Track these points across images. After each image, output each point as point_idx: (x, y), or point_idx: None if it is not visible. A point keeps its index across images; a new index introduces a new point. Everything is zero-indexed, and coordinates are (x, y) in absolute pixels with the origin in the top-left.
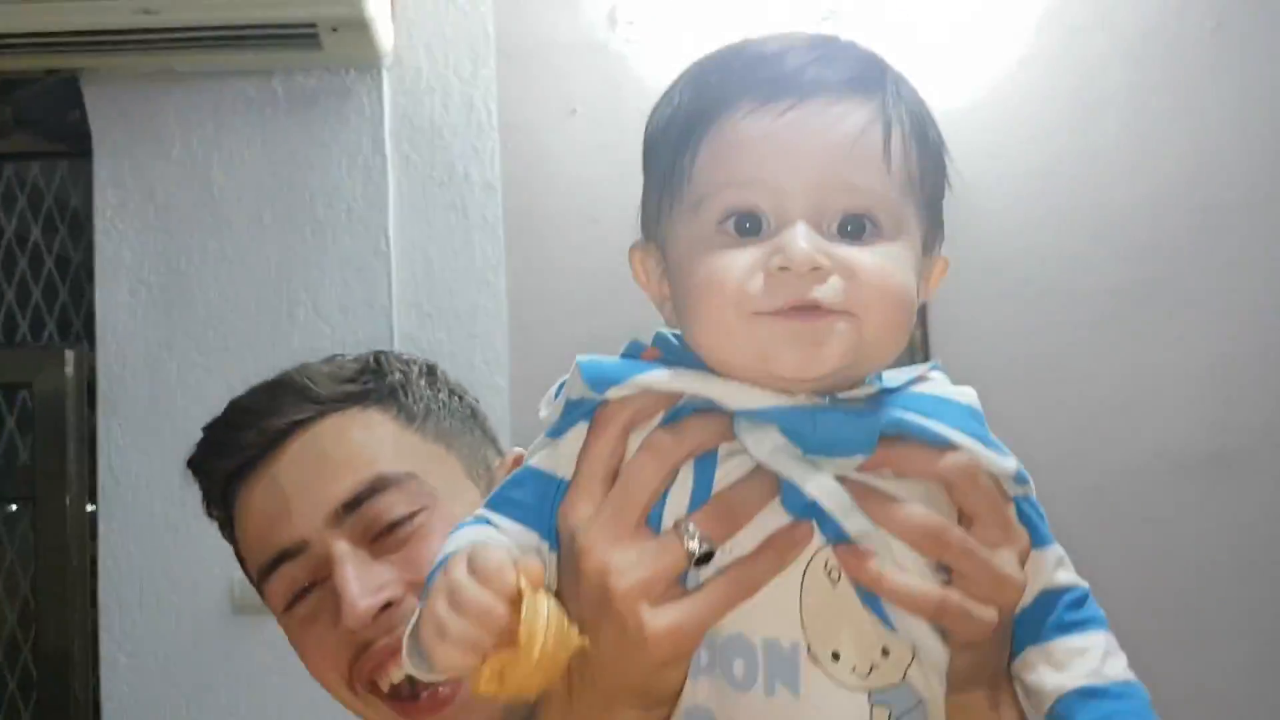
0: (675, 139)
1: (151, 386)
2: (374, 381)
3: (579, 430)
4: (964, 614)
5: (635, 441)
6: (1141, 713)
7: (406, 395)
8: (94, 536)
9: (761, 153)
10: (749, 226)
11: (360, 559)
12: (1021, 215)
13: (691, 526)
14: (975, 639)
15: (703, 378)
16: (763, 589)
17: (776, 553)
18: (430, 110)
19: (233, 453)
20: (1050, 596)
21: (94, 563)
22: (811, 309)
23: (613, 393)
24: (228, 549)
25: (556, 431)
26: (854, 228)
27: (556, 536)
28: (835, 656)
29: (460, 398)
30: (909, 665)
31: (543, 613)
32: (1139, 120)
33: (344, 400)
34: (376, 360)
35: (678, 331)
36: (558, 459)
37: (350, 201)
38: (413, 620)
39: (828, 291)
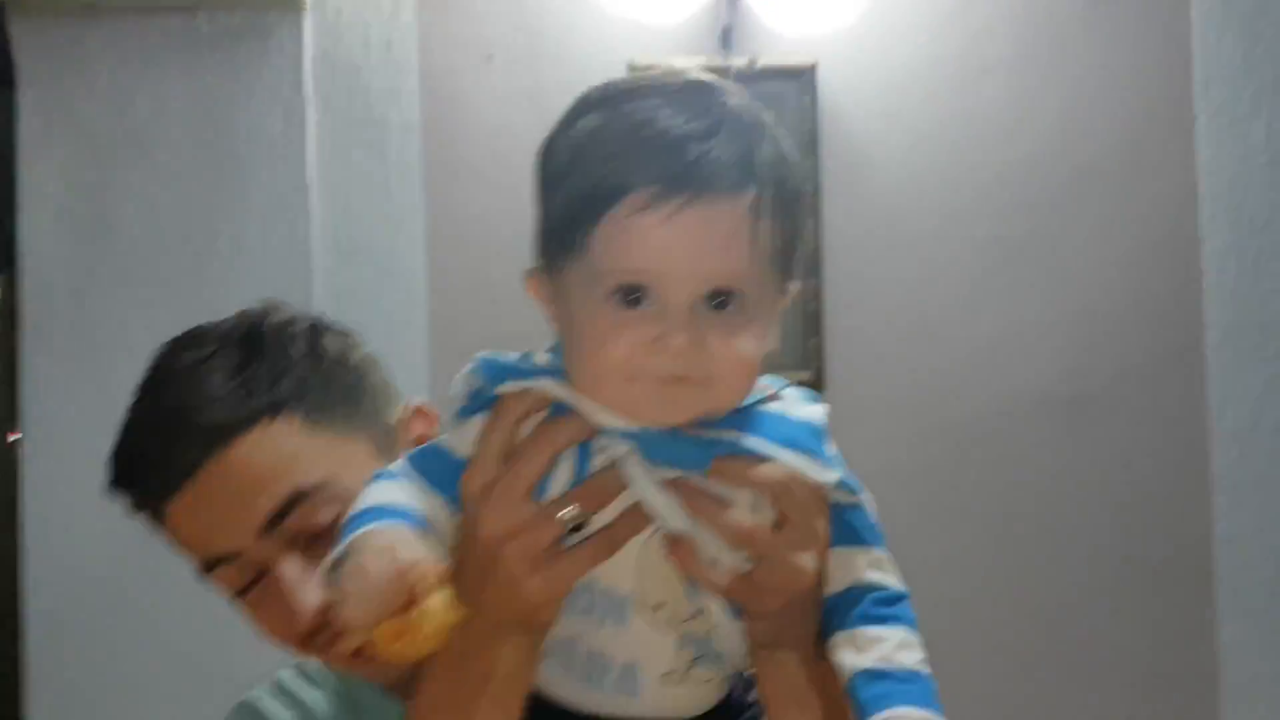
0: (576, 209)
1: (75, 314)
2: (267, 391)
3: (478, 419)
4: (748, 595)
5: (526, 429)
6: (920, 697)
7: (303, 397)
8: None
9: (651, 247)
10: (634, 298)
11: (294, 563)
12: (910, 171)
13: (571, 507)
14: (763, 612)
15: (577, 395)
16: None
17: (627, 526)
18: (350, 51)
19: (144, 492)
20: (858, 590)
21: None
22: (679, 380)
23: (507, 387)
24: None
25: (464, 414)
26: (721, 300)
27: (459, 503)
28: (658, 607)
29: (346, 365)
30: (713, 624)
31: (435, 603)
32: (1019, 86)
33: (247, 421)
34: (261, 351)
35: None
36: (460, 441)
37: (271, 139)
38: (332, 557)
39: (693, 368)
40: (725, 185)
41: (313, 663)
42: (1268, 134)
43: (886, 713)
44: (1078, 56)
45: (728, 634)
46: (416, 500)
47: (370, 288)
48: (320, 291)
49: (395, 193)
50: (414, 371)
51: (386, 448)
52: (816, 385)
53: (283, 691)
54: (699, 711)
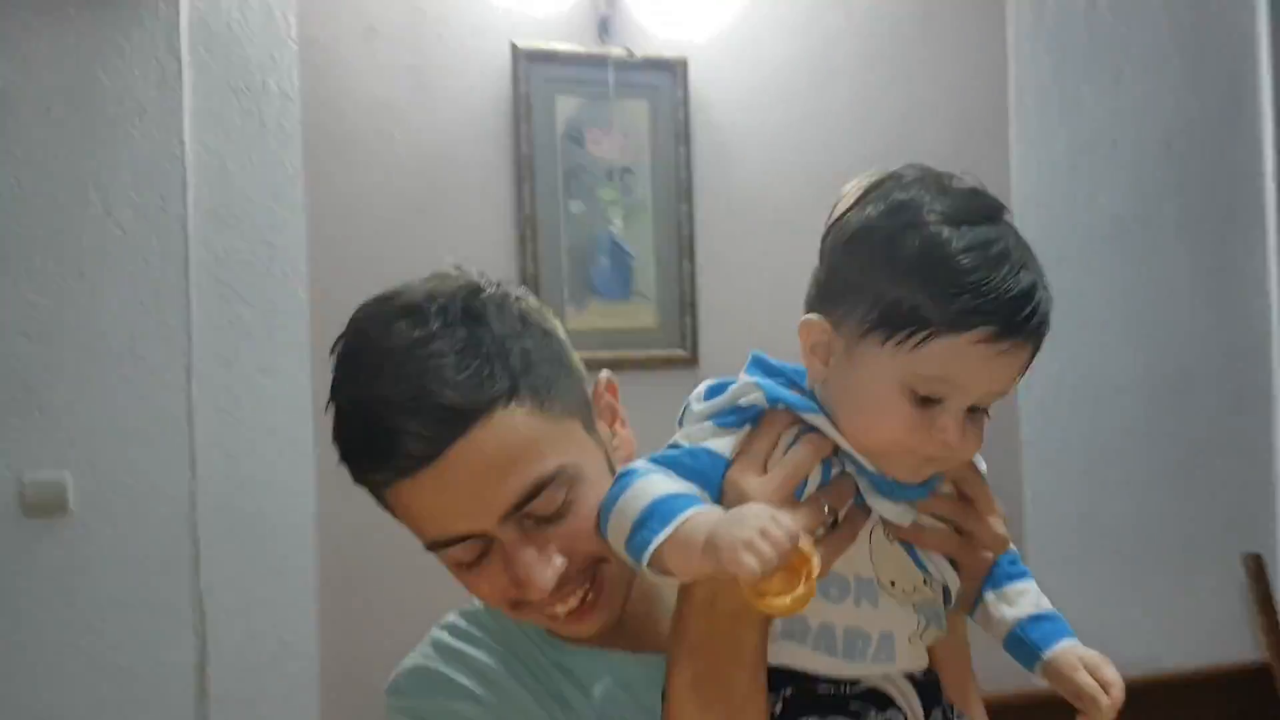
0: (922, 316)
1: None
2: (503, 373)
3: (745, 430)
4: (968, 554)
5: (783, 441)
6: (1068, 629)
7: (529, 376)
8: None
9: (969, 372)
10: (929, 400)
11: (530, 544)
12: (769, 164)
13: (826, 502)
14: (978, 572)
15: (837, 431)
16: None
17: (859, 517)
18: (227, 16)
19: (385, 471)
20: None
21: None
22: (935, 459)
23: (781, 408)
24: (15, 453)
25: (725, 424)
26: (982, 410)
27: (720, 495)
28: (893, 583)
29: (552, 337)
30: (935, 592)
31: (817, 563)
32: (862, 89)
33: (488, 405)
34: (487, 328)
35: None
36: (725, 445)
37: (143, 102)
38: (654, 544)
39: (948, 454)
40: (1034, 339)
41: (462, 621)
42: (1069, 144)
43: (1062, 643)
44: (912, 66)
45: (954, 592)
46: (692, 490)
47: (249, 257)
48: (196, 258)
49: (274, 161)
50: (294, 339)
51: (588, 421)
52: (691, 361)
53: (449, 654)
54: (925, 664)
